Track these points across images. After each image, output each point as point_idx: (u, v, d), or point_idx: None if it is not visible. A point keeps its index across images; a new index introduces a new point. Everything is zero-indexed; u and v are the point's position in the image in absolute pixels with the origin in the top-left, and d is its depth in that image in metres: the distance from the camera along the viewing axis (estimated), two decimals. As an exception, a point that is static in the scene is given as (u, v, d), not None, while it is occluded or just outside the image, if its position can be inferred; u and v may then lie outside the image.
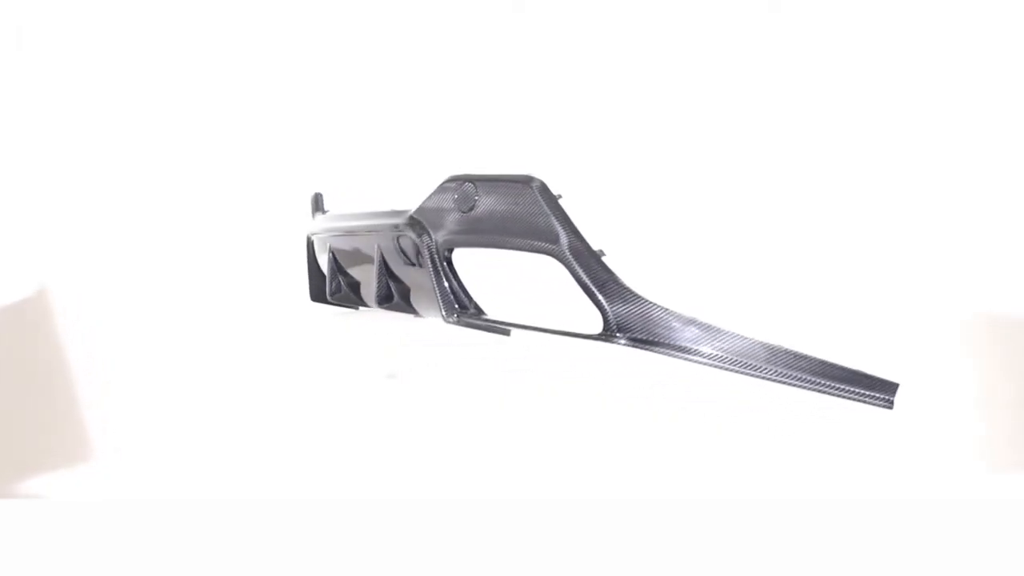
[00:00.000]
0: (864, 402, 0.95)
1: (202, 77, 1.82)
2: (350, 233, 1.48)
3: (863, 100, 1.24)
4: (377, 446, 1.56)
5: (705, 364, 0.97)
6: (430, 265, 1.18)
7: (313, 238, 1.68)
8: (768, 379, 0.95)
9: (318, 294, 1.72)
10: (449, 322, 1.17)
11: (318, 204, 1.74)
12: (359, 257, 1.49)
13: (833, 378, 0.95)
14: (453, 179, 1.18)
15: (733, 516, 1.30)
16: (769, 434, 1.28)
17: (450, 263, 1.18)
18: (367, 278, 1.51)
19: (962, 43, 1.19)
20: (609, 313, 0.99)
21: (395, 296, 1.36)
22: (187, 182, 1.84)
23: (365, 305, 1.58)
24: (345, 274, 1.58)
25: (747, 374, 0.96)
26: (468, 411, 1.52)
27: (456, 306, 1.17)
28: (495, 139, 1.60)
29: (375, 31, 1.78)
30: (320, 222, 1.66)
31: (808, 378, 0.95)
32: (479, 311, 1.17)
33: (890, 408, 0.95)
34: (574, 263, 1.01)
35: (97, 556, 1.36)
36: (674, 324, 0.97)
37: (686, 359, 0.97)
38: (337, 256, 1.56)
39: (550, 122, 1.52)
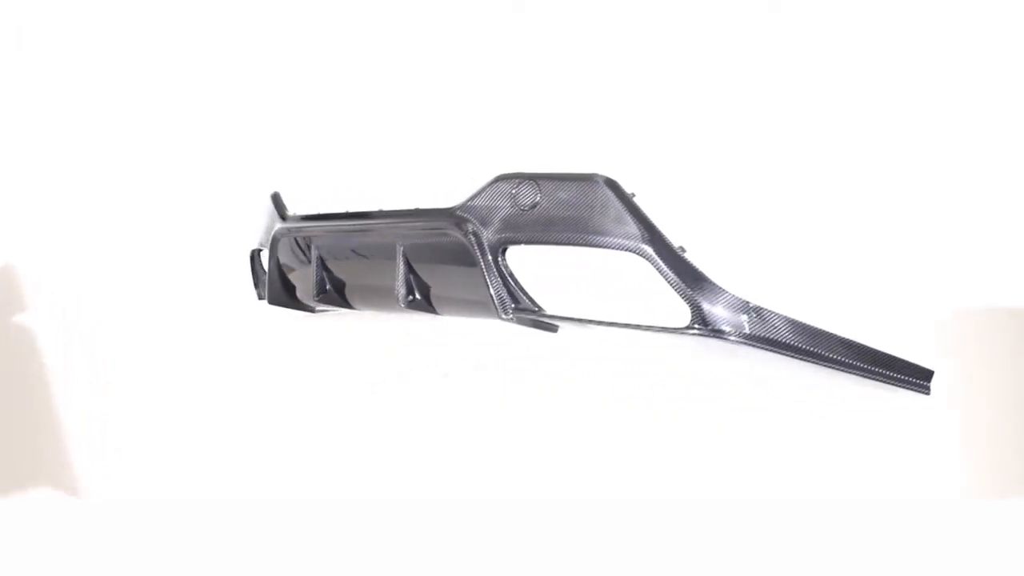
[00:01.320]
0: (907, 388, 1.06)
1: (184, 77, 1.73)
2: (349, 232, 1.43)
3: (864, 100, 1.33)
4: (377, 446, 1.52)
5: (783, 355, 1.04)
6: (482, 263, 1.17)
7: (282, 239, 1.60)
8: (839, 369, 1.04)
9: (278, 297, 1.64)
10: (505, 319, 1.17)
11: (280, 204, 1.66)
12: (358, 257, 1.44)
13: (886, 366, 1.05)
14: (507, 176, 1.18)
15: (733, 516, 1.37)
16: (769, 434, 1.37)
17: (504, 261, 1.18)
18: (363, 279, 1.47)
19: (962, 42, 1.29)
20: (698, 307, 1.04)
21: (416, 294, 1.33)
22: (184, 181, 1.76)
23: (350, 307, 1.52)
24: (330, 274, 1.51)
25: (820, 364, 1.04)
26: (467, 411, 1.51)
27: (512, 304, 1.17)
28: (472, 137, 1.61)
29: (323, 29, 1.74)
30: (296, 222, 1.58)
31: (869, 367, 1.04)
32: (536, 307, 1.18)
33: (927, 394, 1.07)
34: (658, 259, 1.05)
35: (97, 555, 1.28)
36: (755, 316, 1.04)
37: (764, 349, 1.04)
38: (324, 257, 1.50)
39: (545, 122, 1.55)
